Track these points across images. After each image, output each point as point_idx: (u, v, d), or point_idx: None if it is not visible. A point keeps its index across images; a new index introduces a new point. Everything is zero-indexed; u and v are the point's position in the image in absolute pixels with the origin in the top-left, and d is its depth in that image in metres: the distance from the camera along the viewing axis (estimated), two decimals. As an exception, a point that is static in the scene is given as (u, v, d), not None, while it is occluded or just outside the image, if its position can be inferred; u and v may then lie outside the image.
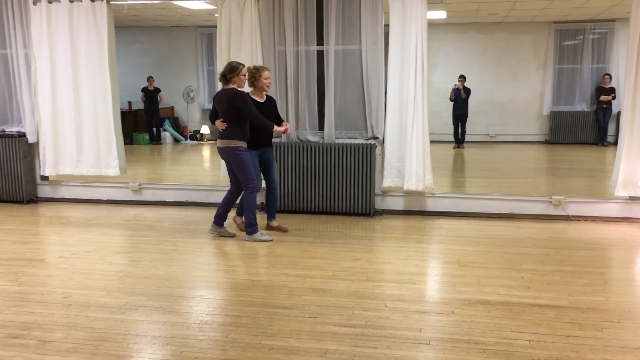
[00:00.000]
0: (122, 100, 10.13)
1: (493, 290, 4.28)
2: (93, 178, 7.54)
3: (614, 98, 13.10)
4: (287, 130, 5.80)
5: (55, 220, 6.69)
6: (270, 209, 6.06)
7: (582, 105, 13.85)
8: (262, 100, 5.84)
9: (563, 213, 6.53)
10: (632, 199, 6.36)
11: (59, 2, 7.03)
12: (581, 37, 13.69)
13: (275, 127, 5.69)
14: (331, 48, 6.66)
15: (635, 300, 4.10)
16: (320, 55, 6.77)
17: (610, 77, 13.27)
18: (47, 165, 7.36)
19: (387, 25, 6.51)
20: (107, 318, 3.81)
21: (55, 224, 6.49)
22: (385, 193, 6.85)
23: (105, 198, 7.55)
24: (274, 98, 6.18)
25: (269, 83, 5.80)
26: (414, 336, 3.52)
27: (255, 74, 5.74)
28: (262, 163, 5.94)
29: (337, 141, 6.77)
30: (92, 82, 7.09)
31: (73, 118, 7.20)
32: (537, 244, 5.54)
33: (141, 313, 3.90)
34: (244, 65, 5.59)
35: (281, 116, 6.15)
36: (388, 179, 6.66)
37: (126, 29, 14.27)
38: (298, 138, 6.89)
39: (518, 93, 14.11)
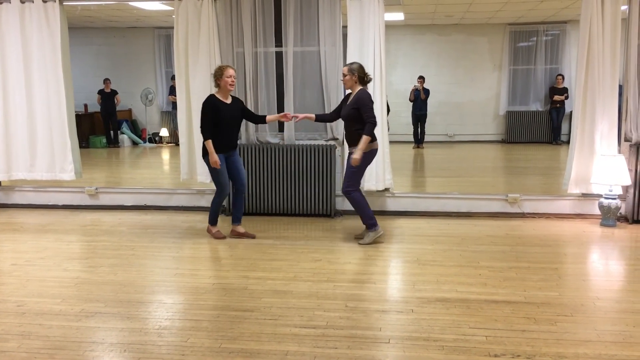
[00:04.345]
0: (77, 103, 9.91)
1: (451, 288, 4.35)
2: (48, 183, 7.36)
3: (566, 98, 13.49)
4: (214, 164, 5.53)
5: (8, 226, 6.50)
6: (237, 212, 5.87)
7: (536, 105, 14.23)
8: (227, 102, 5.54)
9: (519, 210, 6.68)
10: (584, 195, 6.55)
11: (10, 2, 6.83)
12: (535, 38, 14.05)
13: (206, 143, 5.47)
14: (290, 49, 6.67)
15: (588, 295, 4.23)
16: (279, 56, 6.76)
17: (563, 78, 13.66)
18: (-1, 171, 7.15)
19: (345, 27, 6.55)
20: (62, 326, 3.72)
21: (8, 231, 6.30)
22: (345, 194, 6.88)
23: (60, 203, 7.37)
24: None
25: (232, 82, 5.47)
26: (374, 335, 3.54)
27: (217, 72, 5.49)
28: (229, 165, 5.67)
29: (297, 142, 6.78)
30: (45, 85, 6.92)
31: (26, 122, 7.01)
32: (494, 242, 5.66)
33: (98, 320, 3.82)
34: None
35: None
36: (348, 180, 6.68)
37: (80, 30, 13.97)
38: (258, 140, 6.86)
39: (475, 93, 14.38)
